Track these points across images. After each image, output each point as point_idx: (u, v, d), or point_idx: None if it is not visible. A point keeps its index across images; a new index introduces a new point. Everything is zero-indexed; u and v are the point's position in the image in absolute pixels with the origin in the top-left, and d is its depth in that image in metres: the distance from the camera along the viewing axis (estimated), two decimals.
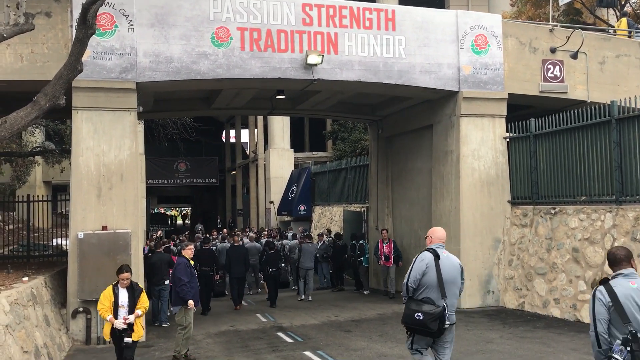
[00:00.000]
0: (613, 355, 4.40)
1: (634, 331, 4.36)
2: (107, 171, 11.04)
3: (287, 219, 27.58)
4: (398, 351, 9.16)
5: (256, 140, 35.93)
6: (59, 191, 28.56)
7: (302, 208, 26.07)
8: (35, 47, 10.83)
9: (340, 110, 16.77)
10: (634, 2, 24.26)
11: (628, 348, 4.35)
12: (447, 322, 5.95)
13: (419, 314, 5.92)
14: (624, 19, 16.54)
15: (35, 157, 23.66)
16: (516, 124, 13.13)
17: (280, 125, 30.23)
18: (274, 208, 28.77)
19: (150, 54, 11.31)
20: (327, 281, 18.01)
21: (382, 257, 15.13)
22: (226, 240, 18.06)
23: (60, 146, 19.67)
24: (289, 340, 10.56)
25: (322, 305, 14.53)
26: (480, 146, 13.13)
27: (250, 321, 12.79)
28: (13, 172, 23.88)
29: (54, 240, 17.46)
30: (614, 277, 4.70)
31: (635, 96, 10.45)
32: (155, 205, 58.85)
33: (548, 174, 12.27)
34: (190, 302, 9.26)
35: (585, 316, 10.33)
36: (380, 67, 12.51)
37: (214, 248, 16.46)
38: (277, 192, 29.61)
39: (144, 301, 8.05)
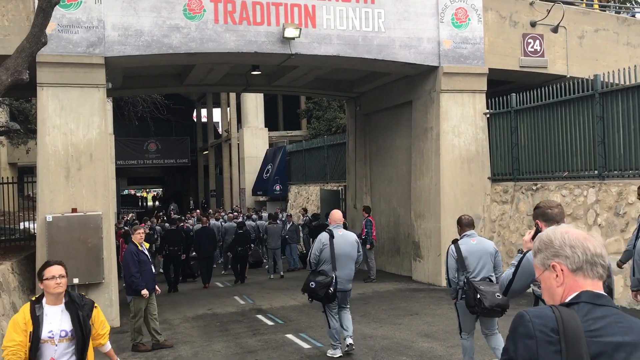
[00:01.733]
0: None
1: (469, 276, 6.09)
2: (75, 151, 10.51)
3: (262, 199, 27.21)
4: (382, 332, 8.97)
5: (229, 119, 35.27)
6: (26, 173, 27.62)
7: (277, 188, 25.73)
8: None
9: (318, 87, 16.40)
10: None
11: (465, 287, 6.12)
12: (337, 289, 7.39)
13: (312, 282, 7.44)
14: None
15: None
16: (496, 99, 12.95)
17: (254, 104, 29.67)
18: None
19: (119, 27, 10.74)
20: (294, 262, 17.71)
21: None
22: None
23: (25, 125, 18.87)
24: (269, 323, 10.29)
25: (299, 285, 14.24)
26: (461, 122, 12.93)
27: (228, 304, 12.48)
28: None
29: (21, 223, 16.84)
30: (461, 237, 6.30)
31: (617, 69, 10.33)
32: (125, 187, 57.75)
33: (529, 149, 12.15)
34: (144, 291, 8.81)
35: None
36: (359, 41, 12.15)
37: (190, 228, 17.00)
38: (251, 172, 29.17)
39: (101, 326, 4.47)
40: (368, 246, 13.98)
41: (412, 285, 13.09)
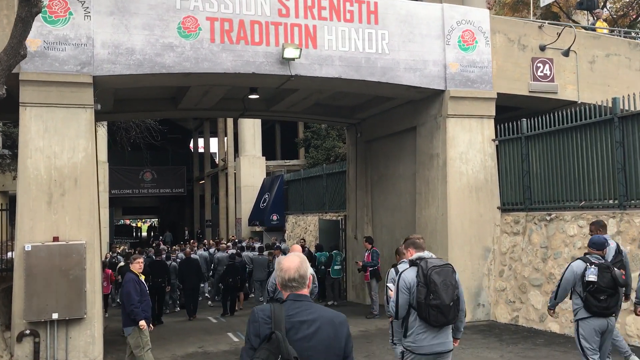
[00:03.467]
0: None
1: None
2: (59, 175, 9.80)
3: (258, 229, 26.42)
4: None
5: (226, 148, 34.72)
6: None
7: (274, 217, 24.97)
8: None
9: (317, 112, 15.81)
10: (610, 7, 24.06)
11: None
12: None
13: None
14: (600, 22, 16.01)
15: None
16: (506, 125, 12.35)
17: (252, 132, 29.12)
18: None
19: (109, 44, 10.16)
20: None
21: (360, 269, 13.92)
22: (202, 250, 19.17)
23: (13, 151, 18.18)
24: None
25: None
26: (468, 149, 12.30)
27: (220, 340, 11.64)
28: None
29: (9, 253, 16.02)
30: (400, 263, 6.01)
31: (634, 93, 9.75)
32: (120, 217, 56.86)
33: (542, 178, 11.49)
34: (142, 322, 8.40)
35: None
36: (362, 63, 11.59)
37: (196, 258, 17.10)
38: (248, 202, 28.43)
39: None
40: (366, 278, 13.37)
41: None
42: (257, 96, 13.64)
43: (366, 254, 13.58)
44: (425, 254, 5.42)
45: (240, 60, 10.84)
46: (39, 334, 9.45)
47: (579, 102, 12.98)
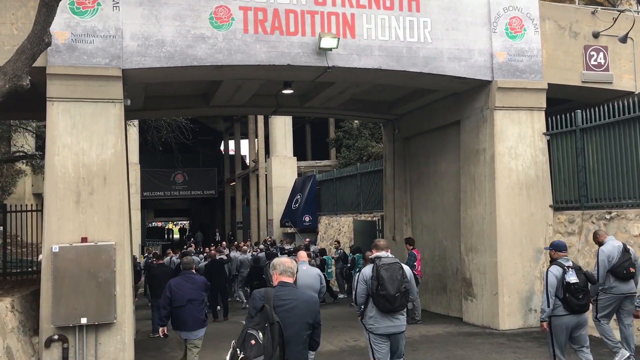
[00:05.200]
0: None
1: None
2: (87, 173, 9.37)
3: (290, 230, 25.87)
4: None
5: (256, 149, 34.33)
6: None
7: (307, 219, 24.40)
8: (2, 28, 9.21)
9: (353, 108, 15.16)
10: None
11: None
12: None
13: None
14: None
15: (23, 167, 22.00)
16: (558, 117, 11.52)
17: (283, 132, 28.62)
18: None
19: (138, 36, 9.70)
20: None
21: None
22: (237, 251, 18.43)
23: (44, 151, 17.97)
24: None
25: (335, 326, 12.79)
26: (518, 143, 11.50)
27: None
28: None
29: (40, 255, 15.78)
30: (376, 257, 6.67)
31: None
32: (151, 219, 57.01)
33: (600, 173, 10.62)
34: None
35: None
36: (403, 52, 10.91)
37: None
38: (279, 203, 27.93)
39: None
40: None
41: (465, 329, 11.50)
42: (291, 91, 13.06)
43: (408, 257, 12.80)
44: (382, 254, 6.65)
45: (274, 51, 10.28)
46: (67, 340, 9.02)
47: (637, 92, 12.08)
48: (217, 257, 16.00)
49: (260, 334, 4.14)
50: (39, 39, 6.70)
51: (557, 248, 7.07)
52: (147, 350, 11.36)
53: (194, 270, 8.65)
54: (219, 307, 15.14)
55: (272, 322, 4.19)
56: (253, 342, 4.10)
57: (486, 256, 11.45)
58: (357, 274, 6.78)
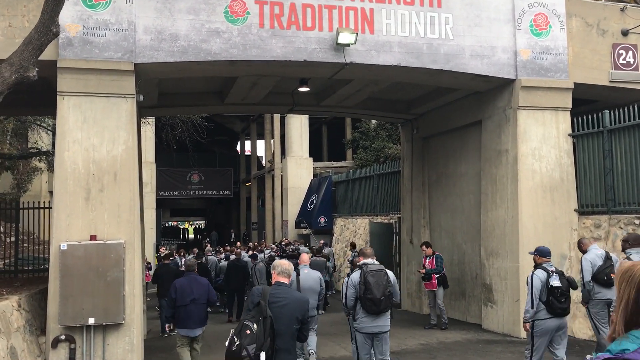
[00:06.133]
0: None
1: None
2: (97, 169, 9.14)
3: (305, 231, 25.56)
4: None
5: (272, 149, 34.08)
6: None
7: (322, 220, 24.06)
8: (13, 20, 9.03)
9: (370, 107, 14.81)
10: None
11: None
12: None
13: None
14: None
15: (39, 164, 21.95)
16: (584, 118, 11.08)
17: (299, 132, 28.33)
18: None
19: (151, 30, 9.46)
20: None
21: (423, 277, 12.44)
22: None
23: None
24: None
25: (344, 327, 12.44)
26: (542, 144, 11.08)
27: None
28: (13, 179, 22.12)
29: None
30: (363, 264, 7.27)
31: None
32: (167, 219, 57.09)
33: (629, 176, 10.16)
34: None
35: None
36: (423, 49, 10.55)
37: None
38: (294, 204, 27.63)
39: None
40: (432, 286, 12.23)
41: (484, 336, 11.09)
42: (308, 89, 12.76)
43: (427, 260, 12.36)
44: (369, 261, 7.33)
45: (291, 46, 9.98)
46: (74, 340, 8.79)
47: None
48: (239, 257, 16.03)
49: (255, 325, 4.75)
50: (47, 28, 6.46)
51: (541, 254, 7.41)
52: (157, 352, 11.13)
53: (201, 271, 8.93)
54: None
55: (265, 316, 4.78)
56: (248, 332, 4.72)
57: (507, 261, 11.04)
58: (347, 279, 7.39)
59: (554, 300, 7.01)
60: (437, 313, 12.22)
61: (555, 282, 7.05)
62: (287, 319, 4.94)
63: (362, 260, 7.34)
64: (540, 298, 7.06)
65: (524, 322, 7.28)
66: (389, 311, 7.29)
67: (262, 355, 4.66)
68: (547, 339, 7.17)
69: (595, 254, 8.33)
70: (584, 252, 8.55)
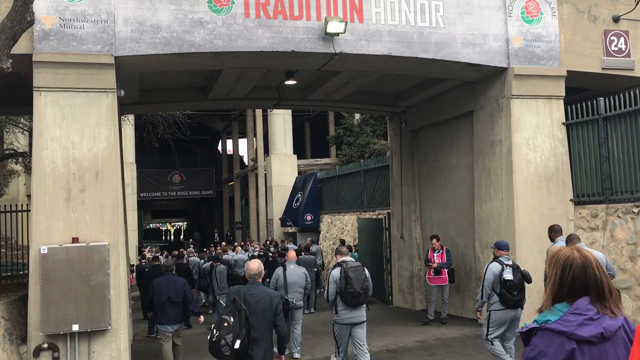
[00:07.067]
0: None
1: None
2: (78, 168, 8.68)
3: (292, 229, 25.20)
4: None
5: (255, 147, 33.64)
6: None
7: (308, 217, 23.75)
8: None
9: (358, 100, 14.49)
10: None
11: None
12: (291, 305, 9.80)
13: None
14: None
15: (15, 166, 21.26)
16: (578, 105, 10.88)
17: (282, 129, 27.97)
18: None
19: (132, 21, 9.02)
20: None
21: (432, 271, 12.12)
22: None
23: None
24: None
25: None
26: (536, 134, 10.86)
27: None
28: None
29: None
30: (342, 261, 7.96)
31: None
32: (149, 221, 56.28)
33: (626, 163, 9.98)
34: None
35: None
36: (414, 38, 10.26)
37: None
38: (279, 202, 27.28)
39: None
40: (443, 280, 12.12)
41: (481, 331, 10.83)
42: (294, 82, 12.38)
43: (436, 254, 12.09)
44: (347, 258, 8.04)
45: (278, 37, 9.61)
46: (57, 348, 8.33)
47: None
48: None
49: (232, 318, 5.46)
50: (20, 16, 6.02)
51: (499, 247, 7.83)
52: (144, 357, 10.70)
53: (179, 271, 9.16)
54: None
55: (239, 310, 5.50)
56: (226, 324, 5.44)
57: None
58: (328, 275, 8.16)
59: (506, 293, 7.41)
60: (441, 308, 12.03)
61: (508, 275, 7.43)
62: (261, 312, 5.62)
63: (341, 258, 8.01)
64: (494, 290, 7.52)
65: (476, 310, 8.12)
66: (366, 304, 8.01)
67: (237, 342, 5.31)
68: (502, 328, 7.61)
69: (561, 245, 7.48)
70: (552, 241, 8.65)
